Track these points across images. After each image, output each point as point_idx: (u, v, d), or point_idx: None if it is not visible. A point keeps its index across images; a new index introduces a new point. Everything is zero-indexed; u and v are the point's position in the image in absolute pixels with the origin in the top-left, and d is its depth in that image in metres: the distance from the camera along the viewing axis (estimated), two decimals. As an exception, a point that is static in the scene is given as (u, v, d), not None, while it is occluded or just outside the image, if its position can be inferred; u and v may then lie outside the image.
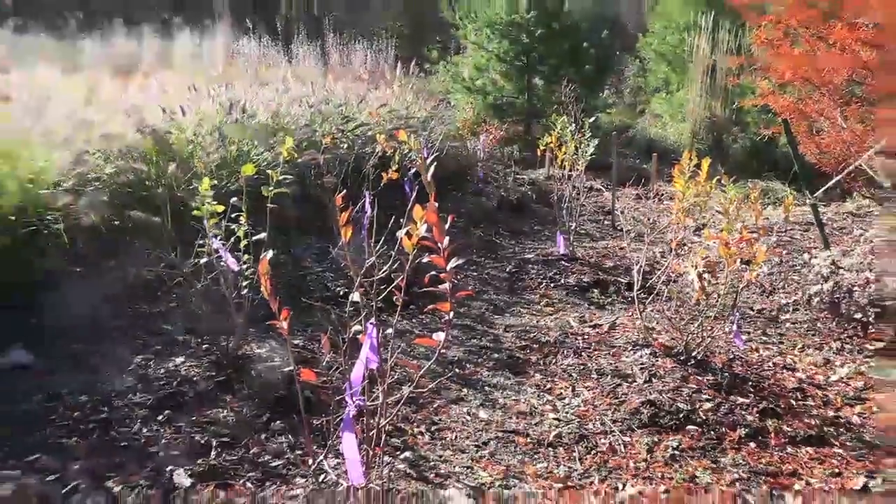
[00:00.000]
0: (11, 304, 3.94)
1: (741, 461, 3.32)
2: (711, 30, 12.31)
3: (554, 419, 3.67)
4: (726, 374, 4.18)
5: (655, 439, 3.47)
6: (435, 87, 13.14)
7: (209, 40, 11.67)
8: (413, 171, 6.53)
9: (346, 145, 6.26)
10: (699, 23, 12.45)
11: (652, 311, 5.01)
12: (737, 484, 3.14)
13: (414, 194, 2.41)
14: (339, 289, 4.91)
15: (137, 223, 4.48)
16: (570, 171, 6.71)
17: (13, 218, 4.09)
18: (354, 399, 2.18)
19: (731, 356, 4.49)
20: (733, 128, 12.62)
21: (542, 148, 7.30)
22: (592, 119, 7.60)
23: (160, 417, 3.29)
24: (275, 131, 6.12)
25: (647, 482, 3.13)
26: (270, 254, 2.21)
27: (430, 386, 3.70)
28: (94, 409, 3.30)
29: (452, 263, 2.29)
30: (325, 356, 2.29)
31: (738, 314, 4.43)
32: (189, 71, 8.74)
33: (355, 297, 2.36)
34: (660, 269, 5.16)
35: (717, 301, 4.29)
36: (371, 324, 2.27)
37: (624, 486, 3.11)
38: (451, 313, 2.34)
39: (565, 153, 6.59)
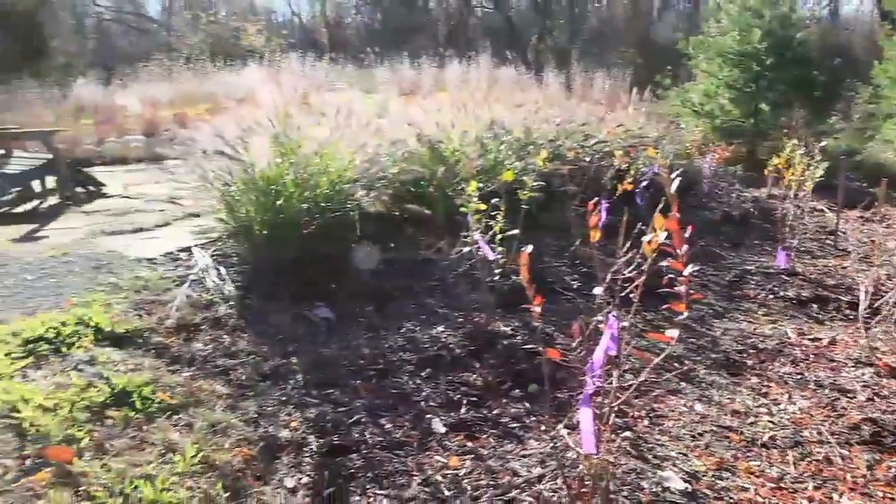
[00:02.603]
0: (318, 273, 4.31)
1: (977, 495, 2.79)
2: (957, 54, 10.50)
3: (769, 422, 3.33)
4: (959, 402, 3.54)
5: (876, 457, 3.02)
6: (665, 111, 12.52)
7: (474, 68, 12.06)
8: (644, 183, 6.28)
9: (588, 159, 6.15)
10: (944, 47, 10.67)
11: (877, 331, 4.38)
12: (970, 516, 2.64)
13: (662, 204, 2.27)
14: (573, 282, 4.84)
15: (413, 214, 4.71)
16: (797, 191, 6.07)
17: (323, 205, 4.47)
18: (594, 380, 2.11)
19: (965, 385, 3.80)
20: (974, 155, 10.70)
21: (769, 168, 6.68)
22: (822, 143, 6.82)
23: (423, 374, 3.44)
24: (526, 145, 6.15)
25: (866, 498, 2.73)
26: (530, 248, 2.20)
27: (665, 377, 3.53)
28: (374, 360, 3.52)
29: (689, 269, 2.16)
30: (576, 340, 2.23)
31: (976, 344, 3.74)
32: (458, 93, 9.07)
33: (598, 290, 2.29)
34: (886, 291, 4.50)
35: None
36: (613, 315, 2.19)
37: (840, 497, 2.74)
38: (686, 313, 2.20)
39: (793, 174, 5.99)
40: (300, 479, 2.63)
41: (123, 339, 3.53)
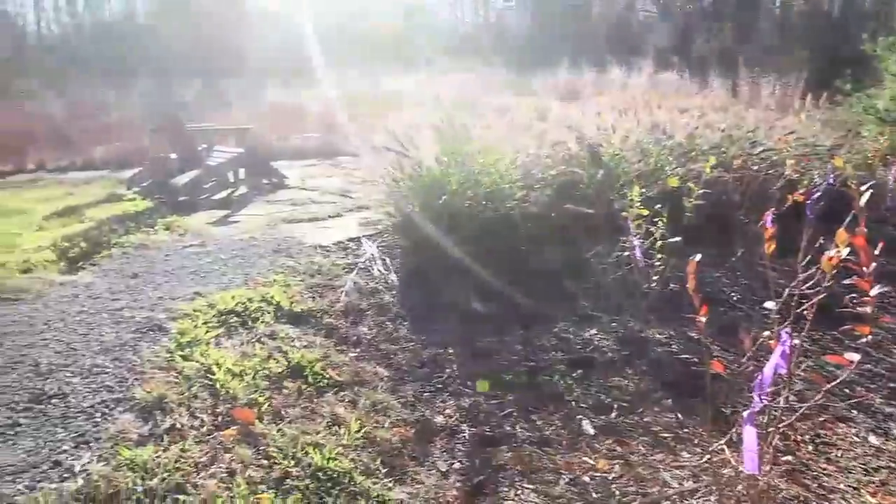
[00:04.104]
0: (476, 268, 4.36)
1: None
2: None
3: (965, 466, 2.92)
4: None
5: None
6: (843, 118, 11.34)
7: (636, 73, 11.68)
8: (816, 195, 5.74)
9: (755, 167, 5.75)
10: None
11: None
12: None
13: (850, 218, 2.08)
14: (733, 294, 4.54)
15: (571, 216, 4.63)
16: None
17: (484, 204, 4.52)
18: (761, 397, 1.97)
19: None
20: None
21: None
22: None
23: (574, 374, 3.37)
24: (688, 151, 5.85)
25: None
26: (698, 257, 2.09)
27: (835, 402, 3.22)
28: (526, 357, 3.52)
29: (876, 289, 1.96)
30: (746, 354, 2.09)
31: None
32: (618, 98, 8.84)
33: (771, 304, 2.13)
34: None
35: None
36: (786, 332, 2.02)
37: None
38: (870, 336, 2.00)
39: None
40: (452, 464, 2.68)
41: (299, 318, 3.80)
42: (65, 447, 2.62)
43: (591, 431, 2.94)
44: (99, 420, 2.82)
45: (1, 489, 2.38)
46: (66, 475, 2.47)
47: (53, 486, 2.39)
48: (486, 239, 4.38)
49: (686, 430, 3.00)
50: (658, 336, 3.77)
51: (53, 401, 2.95)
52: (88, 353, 3.40)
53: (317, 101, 13.62)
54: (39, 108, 12.20)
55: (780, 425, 2.20)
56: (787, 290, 2.07)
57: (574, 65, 13.67)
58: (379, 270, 4.38)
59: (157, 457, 2.54)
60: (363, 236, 5.13)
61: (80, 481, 2.41)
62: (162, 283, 4.42)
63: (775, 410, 2.18)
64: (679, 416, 3.12)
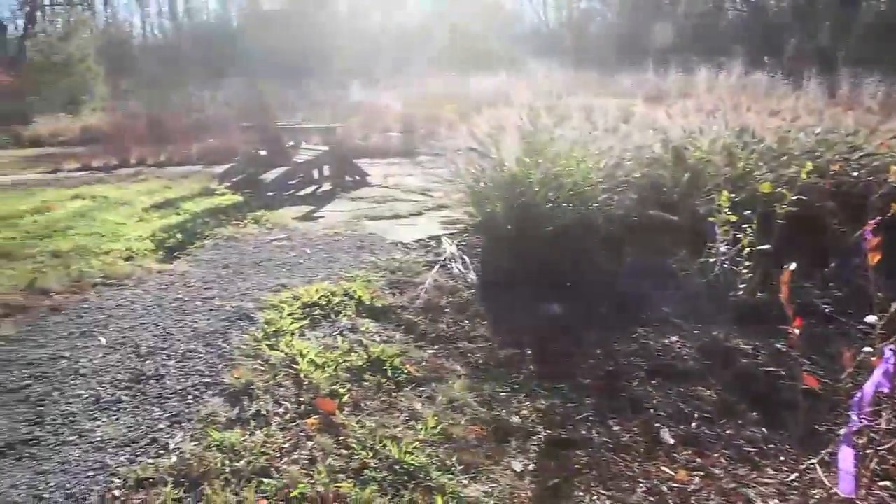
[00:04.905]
0: (557, 270, 4.31)
1: None
2: None
3: None
4: None
5: None
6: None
7: (724, 74, 11.24)
8: (923, 203, 5.35)
9: (854, 173, 5.42)
10: None
11: None
12: None
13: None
14: (825, 306, 4.30)
15: (655, 220, 4.51)
16: None
17: (565, 205, 4.46)
18: (860, 417, 1.85)
19: None
20: None
21: None
22: None
23: (653, 381, 3.28)
24: (779, 155, 5.58)
25: None
26: (793, 266, 1.99)
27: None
28: (605, 360, 3.45)
29: None
30: (846, 370, 1.98)
31: None
32: (706, 99, 8.53)
33: (872, 318, 2.00)
34: None
35: None
36: (889, 349, 1.90)
37: None
38: None
39: None
40: (527, 465, 2.66)
41: (379, 313, 3.86)
42: (160, 426, 2.77)
43: (670, 441, 2.85)
44: (191, 402, 2.96)
45: (106, 460, 2.54)
46: (161, 452, 2.60)
47: (150, 461, 2.53)
48: (566, 240, 4.32)
49: (772, 446, 2.87)
50: (743, 346, 3.62)
51: (151, 381, 3.13)
52: (183, 338, 3.58)
53: (399, 101, 13.82)
54: (142, 107, 12.93)
55: (879, 448, 2.06)
56: (893, 304, 1.94)
57: (660, 65, 13.30)
58: (458, 269, 4.40)
59: (243, 440, 2.64)
60: (443, 235, 5.17)
61: (174, 458, 2.54)
62: (250, 274, 4.59)
63: (875, 432, 2.04)
64: (765, 430, 2.98)
